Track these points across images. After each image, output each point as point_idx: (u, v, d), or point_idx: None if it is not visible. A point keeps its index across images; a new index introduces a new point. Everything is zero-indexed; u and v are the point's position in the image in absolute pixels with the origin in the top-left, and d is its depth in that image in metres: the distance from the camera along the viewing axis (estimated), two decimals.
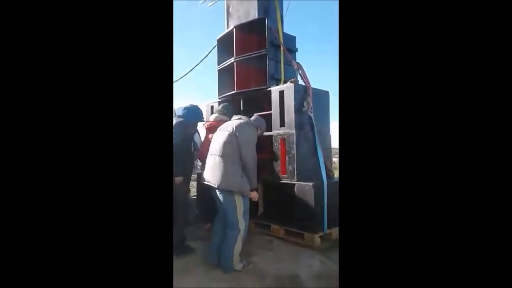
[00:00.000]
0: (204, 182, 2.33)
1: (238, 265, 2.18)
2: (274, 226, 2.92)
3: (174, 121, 2.61)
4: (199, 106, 2.95)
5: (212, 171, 2.25)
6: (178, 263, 2.29)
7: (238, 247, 2.17)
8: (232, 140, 2.22)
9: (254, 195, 2.28)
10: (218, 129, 2.46)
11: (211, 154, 2.33)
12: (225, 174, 2.15)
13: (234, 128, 2.26)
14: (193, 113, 2.80)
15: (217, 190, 2.21)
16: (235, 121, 2.40)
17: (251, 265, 2.25)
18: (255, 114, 2.65)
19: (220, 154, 2.22)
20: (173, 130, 2.51)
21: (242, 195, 2.19)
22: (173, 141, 2.45)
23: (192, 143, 3.09)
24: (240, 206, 2.18)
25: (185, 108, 2.82)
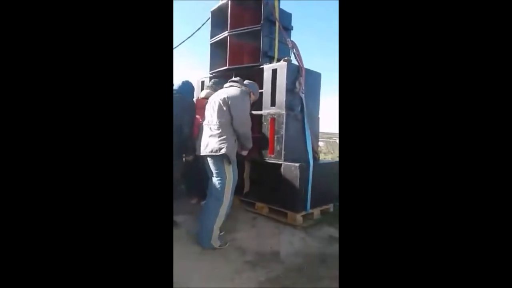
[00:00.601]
0: (197, 153, 2.33)
1: (216, 242, 2.15)
2: (259, 204, 2.98)
3: (184, 101, 2.58)
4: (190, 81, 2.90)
5: (205, 141, 2.24)
6: None
7: (219, 222, 2.15)
8: (225, 108, 2.19)
9: (244, 153, 2.42)
10: (211, 97, 2.42)
11: (205, 124, 2.31)
12: (215, 140, 2.15)
13: (227, 96, 2.22)
14: (191, 89, 2.77)
15: (208, 159, 2.20)
16: (228, 88, 2.36)
17: (228, 244, 2.23)
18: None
19: (213, 123, 2.21)
20: (188, 110, 2.54)
21: (233, 166, 2.18)
22: (189, 121, 2.51)
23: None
24: (230, 177, 2.16)
25: (183, 84, 2.76)
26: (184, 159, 2.63)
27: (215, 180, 2.18)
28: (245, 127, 2.22)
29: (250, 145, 2.33)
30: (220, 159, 2.15)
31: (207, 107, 2.37)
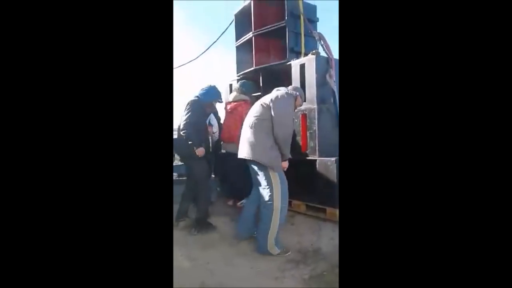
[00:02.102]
0: (240, 157, 2.24)
1: (273, 250, 2.06)
2: (295, 202, 2.92)
3: (191, 100, 2.67)
4: (216, 86, 2.92)
5: (244, 144, 2.18)
6: (201, 240, 2.38)
7: (273, 230, 2.04)
8: (266, 112, 2.10)
9: (285, 165, 2.19)
10: (258, 101, 2.34)
11: (245, 127, 2.25)
12: (257, 146, 2.07)
13: (270, 100, 2.13)
14: (209, 93, 2.79)
15: (251, 164, 2.14)
16: (273, 92, 2.27)
17: (289, 253, 2.09)
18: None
19: (252, 126, 2.13)
20: (188, 107, 2.58)
21: (279, 171, 2.08)
22: (188, 119, 2.53)
23: (208, 122, 3.08)
24: (276, 182, 2.05)
25: (202, 89, 2.82)
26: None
27: (262, 188, 2.10)
28: (285, 130, 2.06)
29: (288, 153, 2.15)
30: (265, 170, 2.06)
31: (251, 110, 2.31)
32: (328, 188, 2.60)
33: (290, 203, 2.97)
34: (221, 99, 2.93)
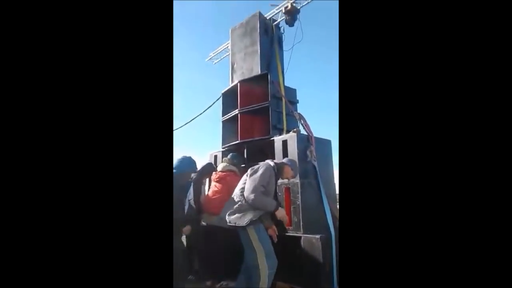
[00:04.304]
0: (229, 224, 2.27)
1: None
2: (280, 284, 2.70)
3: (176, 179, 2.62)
4: (192, 157, 2.98)
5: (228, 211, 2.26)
6: None
7: None
8: (243, 179, 2.28)
9: (280, 214, 2.25)
10: None
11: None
12: (234, 213, 2.15)
13: (250, 169, 2.31)
14: (185, 164, 2.83)
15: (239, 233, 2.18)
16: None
17: None
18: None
19: (234, 194, 2.27)
20: (180, 188, 2.59)
21: (260, 236, 2.11)
22: (181, 200, 2.54)
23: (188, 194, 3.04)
24: (260, 249, 2.08)
25: (178, 161, 2.86)
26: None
27: (246, 256, 2.13)
28: (250, 193, 2.15)
29: (266, 208, 2.22)
30: (244, 232, 2.11)
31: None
32: (314, 268, 2.46)
33: (274, 285, 2.76)
34: (196, 169, 2.96)
